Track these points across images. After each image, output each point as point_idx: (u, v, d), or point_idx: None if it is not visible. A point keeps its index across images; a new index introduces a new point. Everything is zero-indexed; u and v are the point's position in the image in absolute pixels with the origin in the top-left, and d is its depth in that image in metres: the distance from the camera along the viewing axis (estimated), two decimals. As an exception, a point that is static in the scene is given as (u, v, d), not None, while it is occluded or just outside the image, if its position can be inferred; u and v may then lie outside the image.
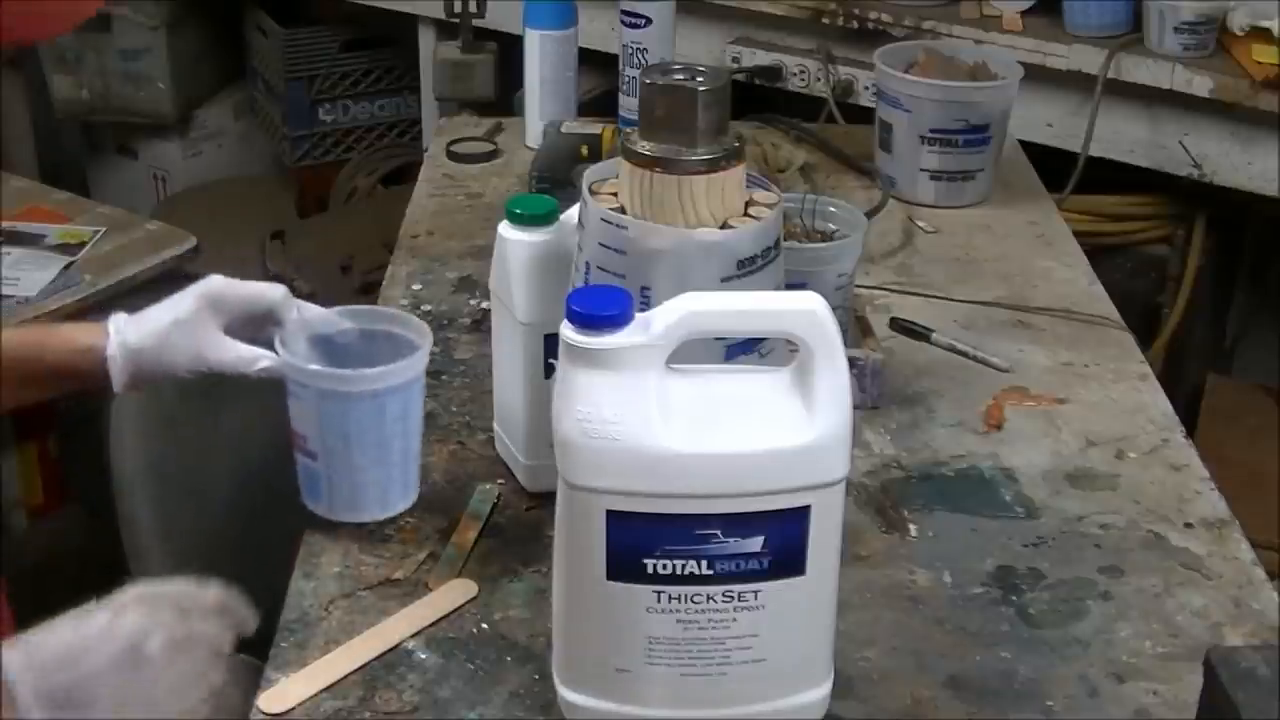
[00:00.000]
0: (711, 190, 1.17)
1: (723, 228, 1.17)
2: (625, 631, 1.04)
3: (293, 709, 1.12)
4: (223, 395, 1.63)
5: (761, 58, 2.58)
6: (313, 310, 1.25)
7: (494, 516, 1.34)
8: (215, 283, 1.22)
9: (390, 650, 1.18)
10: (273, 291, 1.24)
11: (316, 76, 3.43)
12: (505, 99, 2.46)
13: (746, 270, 1.18)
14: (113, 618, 1.05)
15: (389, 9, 3.06)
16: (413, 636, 1.19)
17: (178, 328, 1.20)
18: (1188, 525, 1.36)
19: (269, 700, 1.12)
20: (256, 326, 1.24)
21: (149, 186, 3.59)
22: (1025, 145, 2.19)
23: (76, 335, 1.24)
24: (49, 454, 2.53)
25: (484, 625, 1.21)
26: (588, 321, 1.00)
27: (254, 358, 1.19)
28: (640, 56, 1.94)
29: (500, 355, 1.37)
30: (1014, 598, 1.26)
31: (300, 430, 1.25)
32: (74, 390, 1.26)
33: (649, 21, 1.93)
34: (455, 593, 1.23)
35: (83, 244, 2.42)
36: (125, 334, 1.20)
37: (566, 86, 2.05)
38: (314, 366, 1.24)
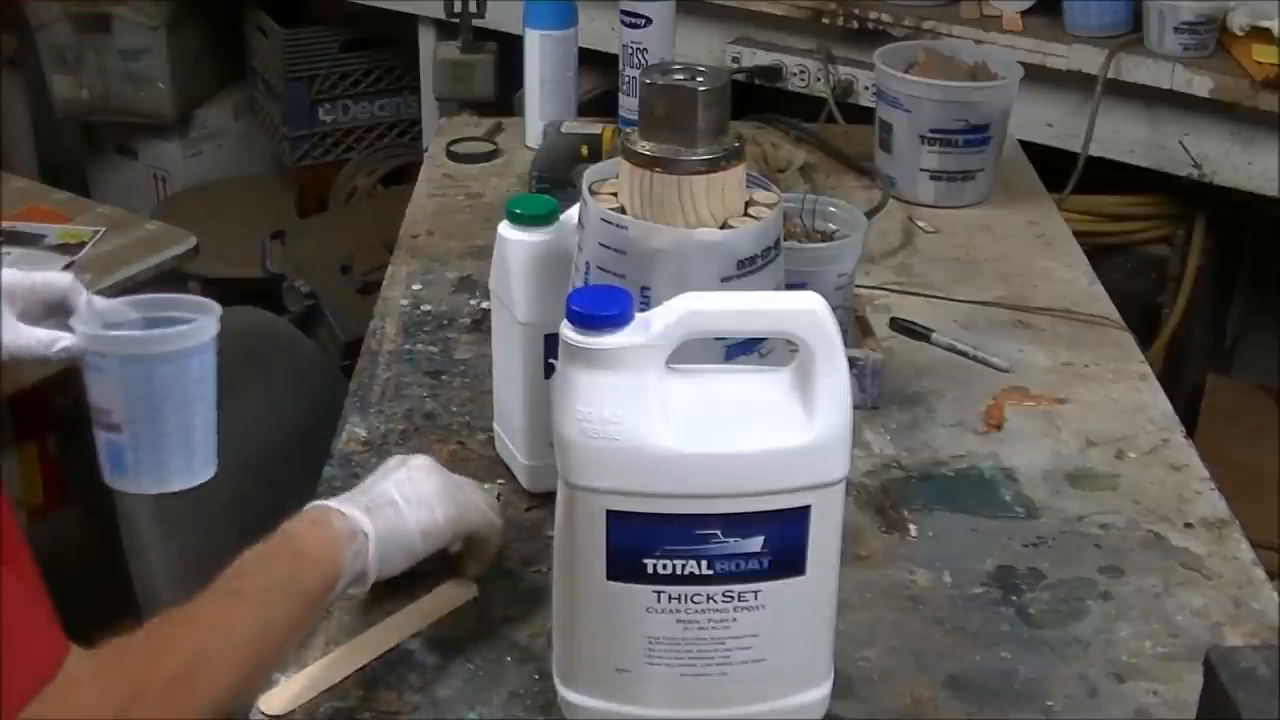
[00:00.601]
0: (711, 190, 1.17)
1: (723, 228, 1.17)
2: (625, 631, 1.04)
3: (292, 711, 1.12)
4: (222, 395, 1.63)
5: (761, 58, 2.58)
6: (101, 301, 1.25)
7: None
8: (3, 274, 1.22)
9: (390, 650, 1.18)
10: (60, 280, 1.23)
11: (316, 76, 3.43)
12: (505, 99, 2.45)
13: (746, 270, 1.18)
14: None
15: (389, 9, 3.06)
16: (413, 637, 1.19)
17: None
18: (1188, 525, 1.36)
19: (269, 701, 1.12)
20: (50, 315, 1.24)
21: (149, 186, 3.59)
22: (1025, 145, 2.20)
23: None
24: (49, 454, 2.54)
25: (484, 625, 1.21)
26: (588, 321, 1.00)
27: (51, 340, 1.18)
28: (640, 56, 1.94)
29: (500, 355, 1.37)
30: (1014, 598, 1.26)
31: (101, 404, 1.23)
32: None
33: (649, 21, 1.93)
34: (455, 593, 1.23)
35: (83, 244, 2.42)
36: None
37: (566, 86, 2.05)
38: (116, 333, 1.22)
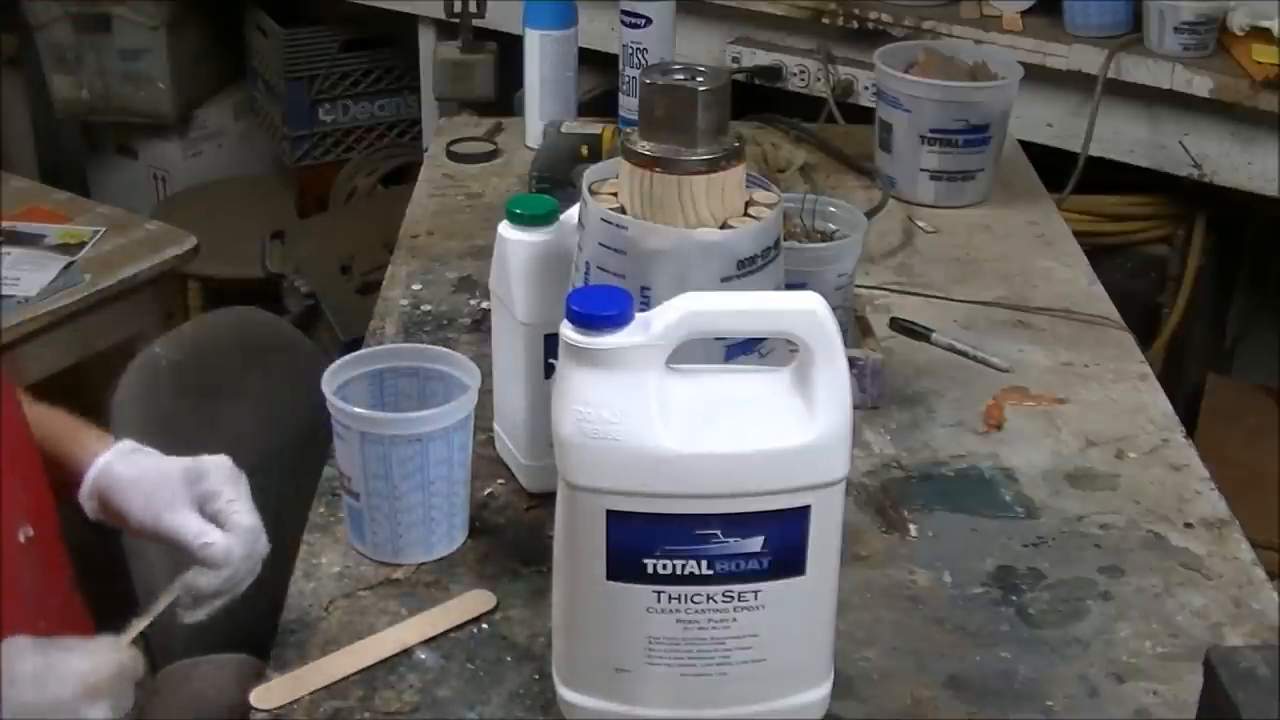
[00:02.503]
0: (711, 190, 1.17)
1: (723, 228, 1.17)
2: (625, 631, 1.04)
3: (293, 710, 1.12)
4: (221, 395, 1.63)
5: (761, 58, 2.58)
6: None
7: (494, 517, 1.34)
8: (209, 464, 1.18)
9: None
10: (247, 518, 1.17)
11: (316, 76, 3.43)
12: (505, 99, 2.46)
13: (746, 270, 1.18)
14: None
15: (389, 9, 3.06)
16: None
17: (149, 480, 1.17)
18: (1188, 525, 1.36)
19: (265, 697, 1.13)
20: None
21: (149, 186, 3.60)
22: (1025, 145, 2.20)
23: (92, 444, 1.22)
24: (49, 454, 2.53)
25: (484, 625, 1.21)
26: (588, 321, 1.00)
27: (200, 531, 1.15)
28: (640, 56, 1.94)
29: (500, 355, 1.37)
30: (1014, 598, 1.26)
31: (344, 470, 1.26)
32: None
33: (649, 21, 1.93)
34: (473, 603, 1.23)
35: (83, 244, 2.42)
36: (113, 462, 1.19)
37: (566, 86, 2.05)
38: (356, 409, 1.23)
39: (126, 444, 1.21)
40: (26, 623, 0.96)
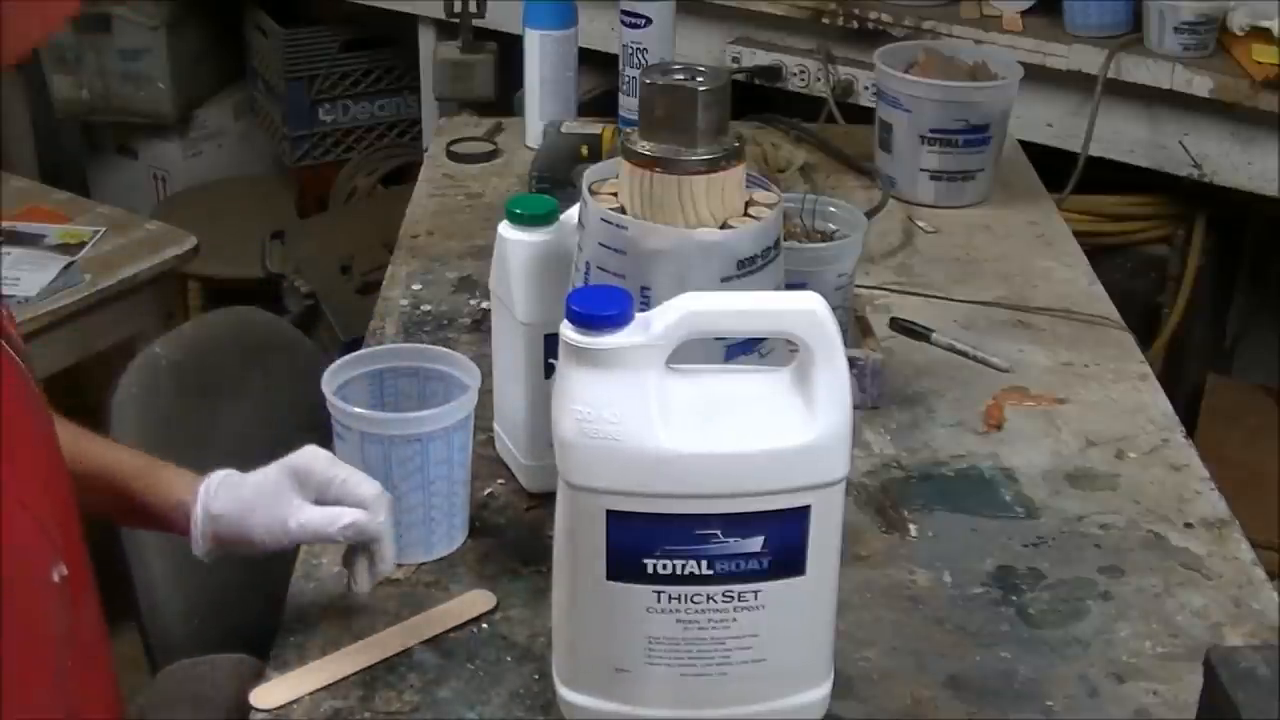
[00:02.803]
0: (711, 190, 1.17)
1: (723, 228, 1.17)
2: (625, 631, 1.04)
3: (292, 710, 1.12)
4: (221, 395, 1.63)
5: (761, 58, 2.58)
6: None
7: (494, 517, 1.34)
8: (306, 456, 1.19)
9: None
10: (367, 489, 1.18)
11: (316, 76, 3.43)
12: (505, 99, 2.45)
13: (746, 270, 1.18)
14: None
15: (389, 9, 3.06)
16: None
17: (260, 497, 1.17)
18: (1188, 525, 1.36)
19: (264, 696, 1.13)
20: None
21: (149, 186, 3.59)
22: (1025, 145, 2.19)
23: (174, 486, 1.21)
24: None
25: (484, 625, 1.21)
26: (588, 321, 1.00)
27: (333, 518, 1.16)
28: (640, 56, 1.94)
29: (500, 355, 1.37)
30: (1014, 598, 1.26)
31: None
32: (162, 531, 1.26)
33: (649, 21, 1.93)
34: (473, 604, 1.23)
35: (83, 244, 2.43)
36: (212, 500, 1.18)
37: (566, 86, 2.05)
38: (356, 409, 1.23)
39: (215, 479, 1.20)
40: (54, 660, 0.96)
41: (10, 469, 0.91)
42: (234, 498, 1.18)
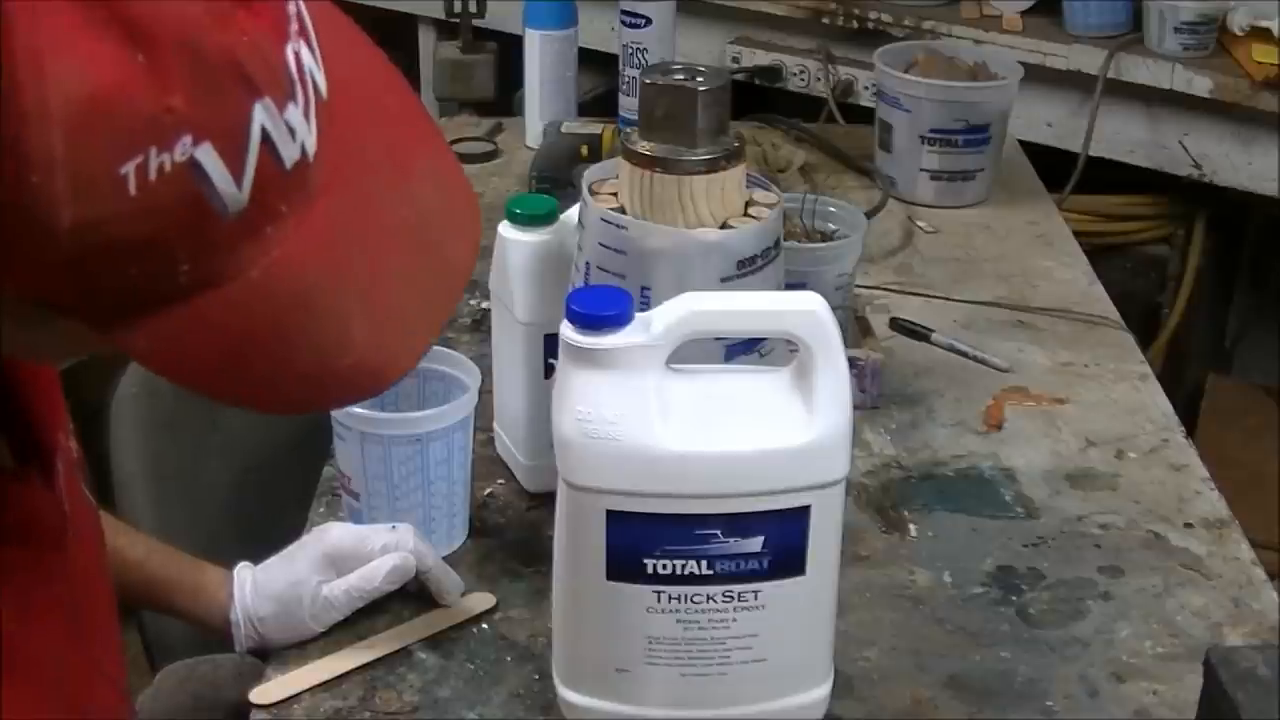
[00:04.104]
0: (711, 190, 1.17)
1: (723, 228, 1.17)
2: (625, 631, 1.04)
3: (292, 709, 1.12)
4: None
5: (761, 58, 2.59)
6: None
7: (494, 517, 1.34)
8: (333, 539, 1.19)
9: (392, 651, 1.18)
10: (385, 537, 1.20)
11: (316, 76, 3.42)
12: (505, 99, 2.45)
13: (746, 270, 1.18)
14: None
15: (388, 9, 3.06)
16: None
17: (296, 589, 1.18)
18: (1188, 525, 1.36)
19: (262, 693, 1.13)
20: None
21: (149, 186, 3.59)
22: (1025, 145, 2.20)
23: (203, 582, 1.22)
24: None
25: (484, 625, 1.21)
26: (588, 321, 1.00)
27: (372, 575, 1.18)
28: (640, 56, 1.94)
29: (500, 355, 1.37)
30: (1014, 598, 1.26)
31: (344, 470, 1.26)
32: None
33: (649, 21, 1.93)
34: (473, 603, 1.23)
35: (83, 244, 2.42)
36: (248, 598, 1.19)
37: (566, 86, 2.05)
38: (356, 409, 1.23)
39: (244, 580, 1.20)
40: None
41: (103, 651, 0.90)
42: (272, 595, 1.18)
